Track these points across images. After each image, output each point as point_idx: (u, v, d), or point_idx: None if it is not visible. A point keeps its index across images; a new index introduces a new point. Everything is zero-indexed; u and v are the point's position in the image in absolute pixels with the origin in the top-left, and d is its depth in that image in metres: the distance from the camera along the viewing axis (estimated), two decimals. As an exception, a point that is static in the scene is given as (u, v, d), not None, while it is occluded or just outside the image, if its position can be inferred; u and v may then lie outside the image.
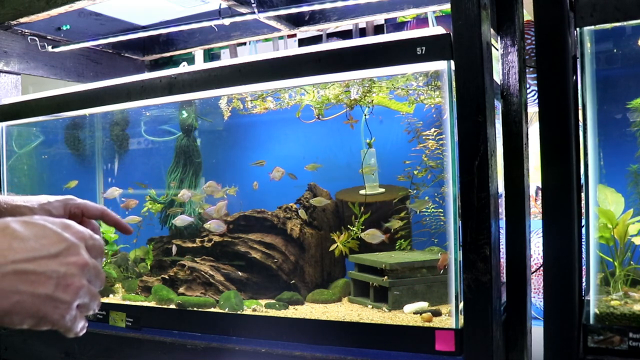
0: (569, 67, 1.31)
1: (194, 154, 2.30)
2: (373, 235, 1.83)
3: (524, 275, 1.58)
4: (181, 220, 2.13)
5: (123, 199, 2.27)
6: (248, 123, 2.22)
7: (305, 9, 2.16)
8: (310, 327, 1.63)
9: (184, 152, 2.30)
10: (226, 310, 1.84)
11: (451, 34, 1.39)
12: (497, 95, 1.60)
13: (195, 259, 2.05)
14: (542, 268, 1.35)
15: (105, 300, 2.09)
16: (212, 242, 2.06)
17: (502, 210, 1.57)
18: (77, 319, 0.64)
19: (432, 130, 1.74)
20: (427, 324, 1.52)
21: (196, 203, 2.23)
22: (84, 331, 0.66)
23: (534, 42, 1.35)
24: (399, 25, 2.86)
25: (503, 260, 1.56)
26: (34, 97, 2.20)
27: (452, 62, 1.41)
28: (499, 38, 1.65)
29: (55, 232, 0.63)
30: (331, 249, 1.93)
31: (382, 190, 1.97)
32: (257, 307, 1.83)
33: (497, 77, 1.63)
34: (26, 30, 2.38)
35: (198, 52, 3.18)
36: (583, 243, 1.38)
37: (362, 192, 1.97)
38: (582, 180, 1.35)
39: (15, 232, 0.60)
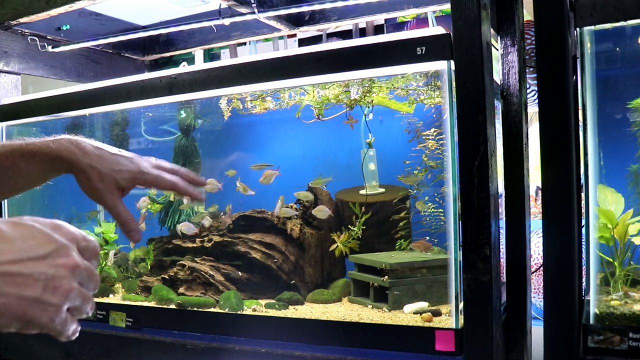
0: (569, 67, 1.31)
1: (193, 154, 2.30)
2: (321, 211, 1.90)
3: (524, 275, 1.58)
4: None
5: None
6: (248, 123, 2.22)
7: (305, 9, 2.16)
8: (310, 327, 1.63)
9: (183, 152, 2.30)
10: (226, 310, 1.84)
11: (451, 34, 1.39)
12: (497, 95, 1.60)
13: (195, 259, 2.05)
14: (542, 268, 1.35)
15: (105, 300, 2.09)
16: (212, 242, 2.06)
17: (502, 210, 1.57)
18: (67, 322, 0.62)
19: (432, 130, 1.74)
20: (427, 324, 1.52)
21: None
22: (77, 335, 0.64)
23: (534, 42, 1.35)
24: (399, 25, 2.86)
25: (503, 260, 1.56)
26: (34, 97, 2.20)
27: (452, 62, 1.41)
28: (499, 38, 1.65)
29: (44, 233, 0.61)
30: (331, 249, 1.93)
31: (382, 190, 1.97)
32: (257, 307, 1.83)
33: (497, 77, 1.63)
34: (26, 30, 2.37)
35: (198, 52, 3.18)
36: (583, 243, 1.38)
37: (362, 192, 1.97)
38: (582, 180, 1.35)
39: (2, 232, 0.59)
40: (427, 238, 1.81)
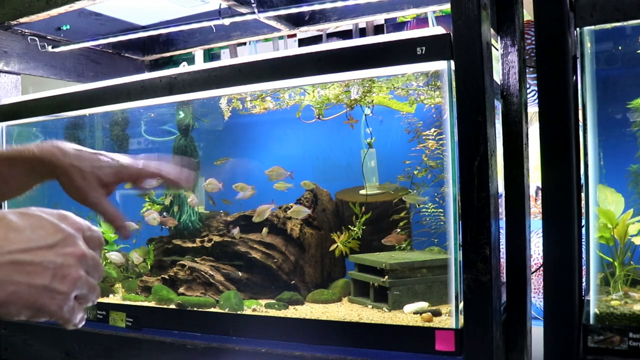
0: (569, 67, 1.31)
1: (193, 154, 2.30)
2: (298, 211, 1.93)
3: (524, 275, 1.58)
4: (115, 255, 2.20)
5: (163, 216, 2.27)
6: (248, 123, 2.22)
7: (305, 9, 2.16)
8: (310, 327, 1.63)
9: (181, 152, 2.30)
10: (226, 310, 1.84)
11: (451, 34, 1.39)
12: (497, 95, 1.60)
13: (195, 259, 2.05)
14: (542, 268, 1.35)
15: (105, 300, 2.09)
16: (212, 242, 2.06)
17: (502, 210, 1.57)
18: (75, 310, 0.64)
19: (432, 130, 1.74)
20: (427, 324, 1.52)
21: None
22: (83, 323, 0.66)
23: (534, 42, 1.35)
24: (399, 25, 2.86)
25: (503, 260, 1.56)
26: (34, 97, 2.20)
27: (452, 62, 1.41)
28: (499, 38, 1.65)
29: (52, 222, 0.63)
30: (331, 249, 1.93)
31: (382, 190, 1.97)
32: (257, 307, 1.83)
33: (497, 77, 1.63)
34: (26, 30, 2.37)
35: (198, 52, 3.18)
36: (583, 243, 1.38)
37: (362, 192, 1.97)
38: (582, 180, 1.35)
39: (11, 222, 0.60)
40: (398, 231, 1.82)
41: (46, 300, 0.60)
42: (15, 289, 0.58)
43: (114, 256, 2.13)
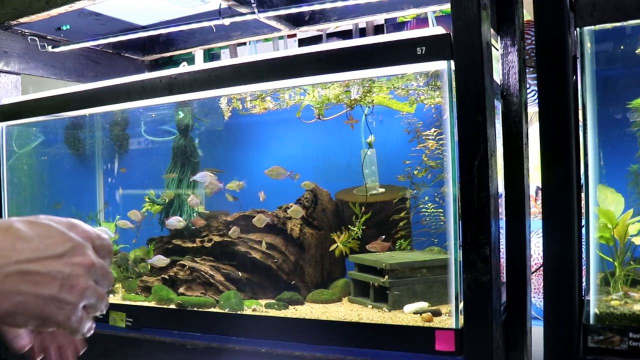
0: (569, 67, 1.31)
1: (192, 154, 2.30)
2: (297, 211, 1.96)
3: (524, 275, 1.58)
4: (157, 259, 2.17)
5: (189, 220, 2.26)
6: (248, 123, 2.22)
7: (305, 9, 2.16)
8: (310, 327, 1.63)
9: (181, 152, 2.30)
10: (226, 310, 1.84)
11: (451, 34, 1.39)
12: (497, 95, 1.60)
13: (195, 259, 2.05)
14: (542, 268, 1.35)
15: (105, 300, 2.09)
16: (212, 242, 2.06)
17: (502, 210, 1.57)
18: (83, 320, 0.63)
19: (432, 130, 1.74)
20: (427, 324, 1.52)
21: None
22: (92, 332, 0.65)
23: (534, 42, 1.35)
24: (399, 25, 2.86)
25: (503, 260, 1.56)
26: (34, 97, 2.20)
27: (452, 62, 1.41)
28: (499, 38, 1.65)
29: (61, 232, 0.62)
30: (331, 249, 1.93)
31: (383, 190, 1.97)
32: (257, 307, 1.83)
33: (497, 77, 1.63)
34: (26, 30, 2.38)
35: (198, 52, 3.18)
36: (583, 243, 1.38)
37: (356, 191, 1.97)
38: (582, 180, 1.35)
39: (19, 232, 0.59)
40: (383, 237, 1.82)
41: (54, 311, 0.59)
42: (22, 299, 0.57)
43: (156, 259, 2.12)
